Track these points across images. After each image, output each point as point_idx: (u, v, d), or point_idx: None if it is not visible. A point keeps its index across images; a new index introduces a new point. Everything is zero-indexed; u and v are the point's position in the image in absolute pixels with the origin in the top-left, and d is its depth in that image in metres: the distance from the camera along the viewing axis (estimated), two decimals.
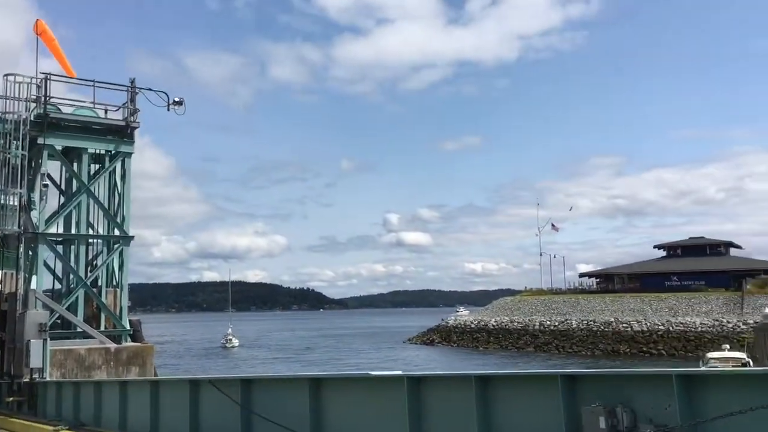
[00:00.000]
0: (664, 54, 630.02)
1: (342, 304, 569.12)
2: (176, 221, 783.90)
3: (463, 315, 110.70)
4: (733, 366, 36.23)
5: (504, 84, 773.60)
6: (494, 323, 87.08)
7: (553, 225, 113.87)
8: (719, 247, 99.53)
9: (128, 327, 22.86)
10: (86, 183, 22.60)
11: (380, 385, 7.99)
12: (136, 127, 23.27)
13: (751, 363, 37.46)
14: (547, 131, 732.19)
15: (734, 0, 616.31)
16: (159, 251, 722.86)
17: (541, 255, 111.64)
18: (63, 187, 24.37)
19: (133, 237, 23.31)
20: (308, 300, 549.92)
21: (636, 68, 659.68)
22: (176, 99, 23.35)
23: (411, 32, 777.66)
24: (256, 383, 9.89)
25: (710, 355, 39.58)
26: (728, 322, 69.38)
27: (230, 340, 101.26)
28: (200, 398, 10.72)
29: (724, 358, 37.68)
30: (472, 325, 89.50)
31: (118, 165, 23.45)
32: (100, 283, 23.20)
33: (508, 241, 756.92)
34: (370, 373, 7.88)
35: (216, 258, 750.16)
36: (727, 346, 42.13)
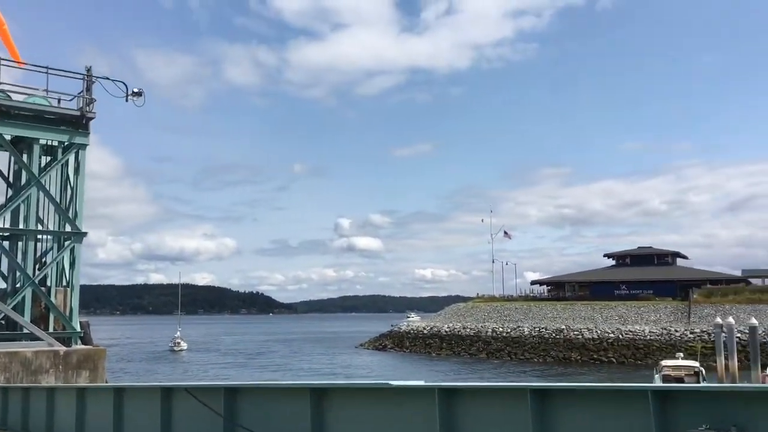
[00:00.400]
0: (612, 68, 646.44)
1: (291, 308, 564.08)
2: (122, 222, 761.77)
3: (415, 321, 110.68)
4: (686, 375, 36.75)
5: (457, 92, 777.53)
6: (447, 329, 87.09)
7: (505, 232, 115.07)
8: (666, 257, 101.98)
9: (79, 329, 21.67)
10: (37, 175, 21.35)
11: (402, 398, 6.56)
12: (92, 118, 22.08)
13: (704, 372, 38.04)
14: (499, 140, 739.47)
15: (682, 15, 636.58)
16: (104, 252, 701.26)
17: (493, 262, 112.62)
18: (11, 179, 23.01)
19: (86, 233, 22.09)
20: (257, 304, 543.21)
21: (585, 81, 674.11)
22: (135, 90, 22.24)
23: (365, 38, 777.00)
24: (242, 392, 8.62)
25: (664, 363, 40.15)
26: (676, 330, 70.81)
27: (179, 343, 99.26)
28: (174, 408, 9.51)
29: (677, 366, 38.22)
30: (425, 331, 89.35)
31: (72, 157, 22.20)
32: (49, 282, 21.94)
33: (459, 248, 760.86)
34: (390, 382, 6.48)
35: (163, 260, 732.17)
36: (681, 355, 42.78)
